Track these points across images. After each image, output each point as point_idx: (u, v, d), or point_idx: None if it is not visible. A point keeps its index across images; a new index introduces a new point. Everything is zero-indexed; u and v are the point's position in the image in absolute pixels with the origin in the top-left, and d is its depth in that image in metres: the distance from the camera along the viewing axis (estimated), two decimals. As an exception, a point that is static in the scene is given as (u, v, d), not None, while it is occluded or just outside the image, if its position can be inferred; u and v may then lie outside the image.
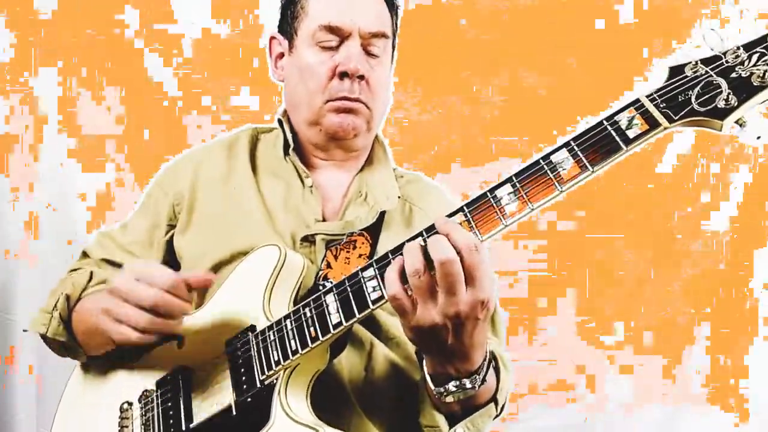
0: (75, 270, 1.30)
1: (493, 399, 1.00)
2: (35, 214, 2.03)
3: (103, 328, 1.04)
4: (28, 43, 2.03)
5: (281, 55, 1.29)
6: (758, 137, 0.77)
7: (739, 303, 2.05)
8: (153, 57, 2.04)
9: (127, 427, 1.11)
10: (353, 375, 1.12)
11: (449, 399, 0.91)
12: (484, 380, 0.91)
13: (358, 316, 0.91)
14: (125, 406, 1.13)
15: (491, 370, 0.97)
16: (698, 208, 2.04)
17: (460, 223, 0.86)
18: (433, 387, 0.91)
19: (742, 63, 0.78)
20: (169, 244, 1.27)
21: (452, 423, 1.00)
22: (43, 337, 1.21)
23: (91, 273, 1.21)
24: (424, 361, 0.93)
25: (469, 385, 0.89)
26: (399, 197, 1.26)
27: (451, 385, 0.89)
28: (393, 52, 1.31)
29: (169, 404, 1.07)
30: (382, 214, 1.18)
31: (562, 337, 2.06)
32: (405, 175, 1.36)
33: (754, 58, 0.78)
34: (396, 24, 1.30)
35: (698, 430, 2.07)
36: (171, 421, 1.05)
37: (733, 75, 0.78)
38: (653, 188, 2.04)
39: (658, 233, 2.05)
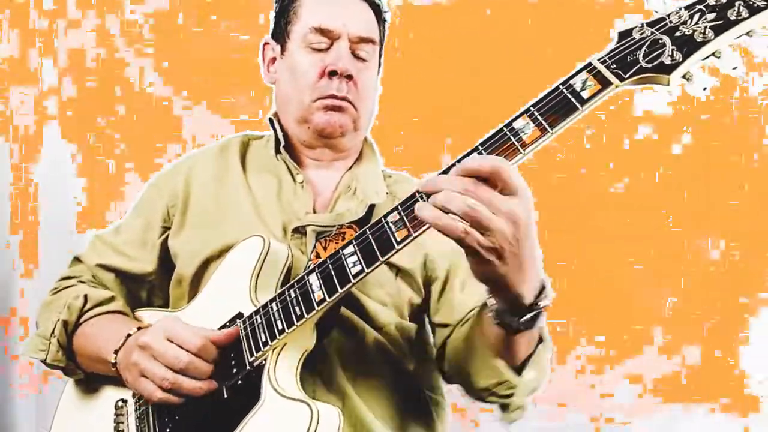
0: (67, 278, 1.33)
1: (541, 339, 1.01)
2: (35, 213, 2.06)
3: (131, 380, 1.06)
4: (31, 40, 2.09)
5: (273, 60, 1.36)
6: (704, 89, 0.82)
7: (741, 303, 2.06)
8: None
9: (122, 422, 1.13)
10: (346, 359, 1.14)
11: (529, 328, 0.90)
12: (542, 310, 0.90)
13: (340, 291, 0.94)
14: (120, 403, 1.15)
15: None
16: (698, 208, 2.07)
17: None
18: (511, 319, 0.90)
19: (684, 22, 0.83)
20: (163, 245, 1.30)
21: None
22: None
23: (86, 296, 1.22)
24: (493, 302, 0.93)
25: (542, 304, 0.89)
26: (387, 193, 1.29)
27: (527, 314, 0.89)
28: (380, 59, 1.37)
29: None
30: (371, 208, 1.22)
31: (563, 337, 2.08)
32: (393, 175, 1.40)
33: (696, 17, 0.83)
34: (383, 33, 1.36)
35: (700, 431, 2.07)
36: (165, 411, 1.07)
37: (677, 34, 0.83)
38: (653, 188, 2.07)
39: (659, 233, 2.08)
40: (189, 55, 2.11)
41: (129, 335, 1.11)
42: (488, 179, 0.80)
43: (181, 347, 1.01)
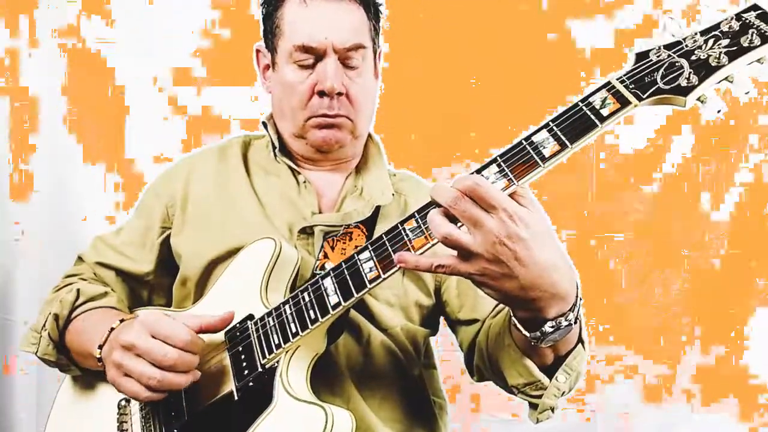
0: (70, 276, 1.32)
1: (580, 339, 0.98)
2: (36, 213, 2.03)
3: (113, 380, 1.04)
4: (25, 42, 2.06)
5: (267, 67, 1.32)
6: (718, 111, 0.85)
7: (738, 303, 2.10)
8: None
9: (126, 422, 1.12)
10: (352, 361, 1.15)
11: (547, 342, 0.89)
12: (577, 318, 0.89)
13: (356, 295, 0.95)
14: (123, 402, 1.14)
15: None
16: (699, 208, 2.10)
17: None
18: (528, 334, 0.89)
19: (699, 47, 0.87)
20: (163, 245, 1.30)
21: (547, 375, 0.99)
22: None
23: (78, 290, 1.22)
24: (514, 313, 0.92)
25: (565, 323, 0.87)
26: (393, 193, 1.30)
27: (548, 326, 0.87)
28: (376, 56, 1.33)
29: (170, 397, 1.08)
30: (378, 208, 1.22)
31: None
32: (398, 173, 1.41)
33: (710, 42, 0.86)
34: (377, 28, 1.31)
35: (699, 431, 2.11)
36: (172, 413, 1.07)
37: (693, 57, 0.86)
38: (653, 189, 2.11)
39: (658, 234, 2.11)
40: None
41: (112, 329, 1.10)
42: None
43: (166, 343, 0.99)
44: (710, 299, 2.10)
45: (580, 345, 0.98)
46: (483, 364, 1.15)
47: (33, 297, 1.95)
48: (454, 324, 1.25)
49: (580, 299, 0.90)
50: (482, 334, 1.15)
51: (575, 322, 0.89)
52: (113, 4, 2.08)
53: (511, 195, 0.85)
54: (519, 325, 0.92)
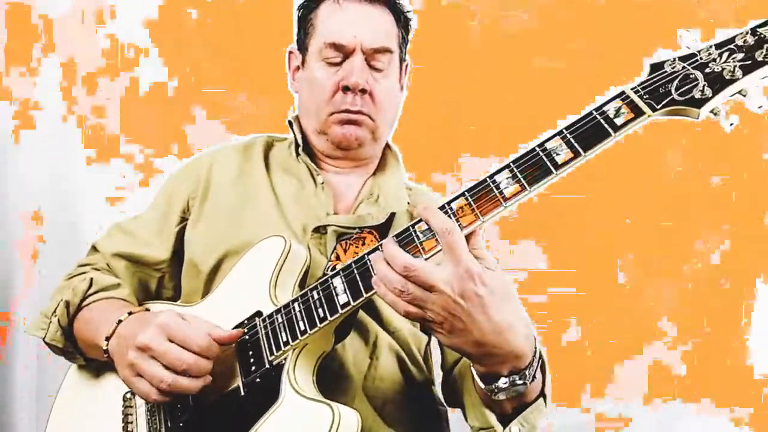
0: (84, 265, 1.33)
1: (542, 394, 0.99)
2: (37, 212, 2.04)
3: (125, 378, 1.06)
4: (29, 37, 2.07)
5: (297, 69, 1.38)
6: (731, 124, 0.86)
7: (738, 303, 2.12)
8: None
9: (131, 414, 1.13)
10: (358, 361, 1.16)
11: (501, 396, 0.92)
12: (534, 376, 0.91)
13: (365, 295, 0.95)
14: (128, 395, 1.15)
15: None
16: (700, 210, 2.12)
17: (462, 207, 0.92)
18: (483, 386, 0.92)
19: (714, 60, 0.88)
20: (179, 235, 1.31)
21: (504, 423, 1.00)
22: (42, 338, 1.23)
23: (91, 279, 1.23)
24: (472, 364, 0.94)
25: (519, 381, 0.89)
26: (408, 203, 1.32)
27: (501, 383, 0.90)
28: (402, 64, 1.39)
29: None
30: (392, 216, 1.24)
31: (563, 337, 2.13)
32: (413, 188, 1.44)
33: (725, 55, 0.87)
34: (405, 38, 1.38)
35: (698, 430, 2.12)
36: (178, 407, 1.07)
37: (708, 70, 0.87)
38: (655, 189, 2.12)
39: (658, 233, 2.13)
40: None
41: (120, 321, 1.12)
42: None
43: (183, 347, 1.00)
44: (711, 299, 2.11)
45: (541, 399, 0.99)
46: (453, 393, 1.19)
47: (33, 296, 1.98)
48: (441, 344, 1.26)
49: (540, 359, 0.93)
50: (458, 366, 1.19)
51: (532, 380, 0.91)
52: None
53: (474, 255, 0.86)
54: (476, 377, 0.94)
